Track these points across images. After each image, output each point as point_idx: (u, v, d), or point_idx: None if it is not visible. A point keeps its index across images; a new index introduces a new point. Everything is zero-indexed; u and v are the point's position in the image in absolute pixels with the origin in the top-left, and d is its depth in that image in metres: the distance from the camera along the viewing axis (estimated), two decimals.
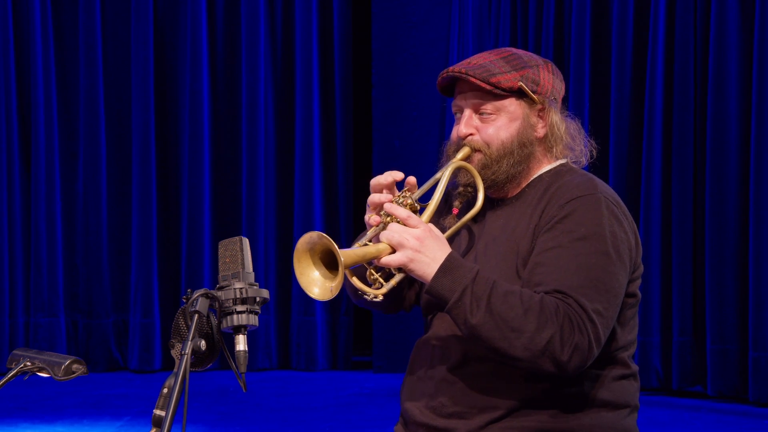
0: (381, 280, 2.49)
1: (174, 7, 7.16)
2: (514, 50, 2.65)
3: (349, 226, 7.29)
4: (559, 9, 6.40)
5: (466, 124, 2.61)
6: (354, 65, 7.30)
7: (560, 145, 2.64)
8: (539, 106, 2.60)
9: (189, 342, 2.05)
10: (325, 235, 2.38)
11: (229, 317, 2.12)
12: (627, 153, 6.23)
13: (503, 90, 2.57)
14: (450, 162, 2.59)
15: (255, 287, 2.13)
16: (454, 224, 2.61)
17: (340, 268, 2.35)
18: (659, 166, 6.13)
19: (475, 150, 2.60)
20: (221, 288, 2.13)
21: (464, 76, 2.57)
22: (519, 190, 2.63)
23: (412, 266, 2.43)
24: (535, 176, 2.63)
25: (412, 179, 2.56)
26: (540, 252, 2.48)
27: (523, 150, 2.59)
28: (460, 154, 2.60)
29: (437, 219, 2.65)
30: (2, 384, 2.17)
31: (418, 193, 2.55)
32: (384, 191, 2.55)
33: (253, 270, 2.17)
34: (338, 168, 7.27)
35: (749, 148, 5.89)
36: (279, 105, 7.27)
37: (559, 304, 2.39)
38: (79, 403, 6.02)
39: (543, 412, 2.50)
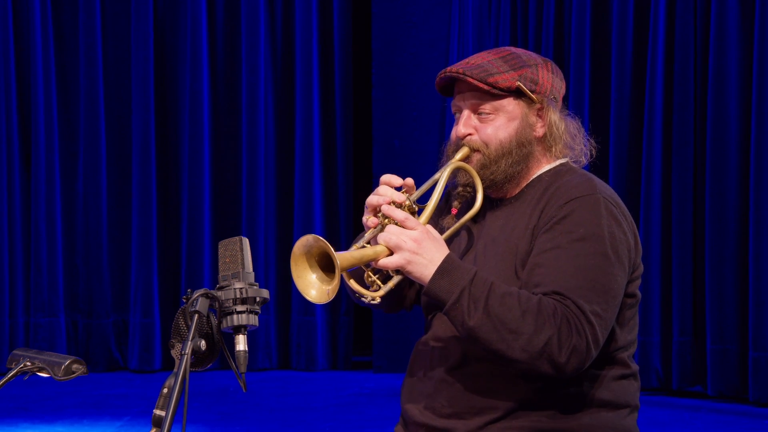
0: (379, 282, 2.49)
1: (174, 7, 7.16)
2: (513, 49, 2.64)
3: (349, 225, 7.29)
4: (559, 9, 6.40)
5: (465, 124, 2.61)
6: (354, 65, 7.30)
7: (559, 145, 2.63)
8: (538, 106, 2.60)
9: (189, 342, 2.05)
10: (321, 238, 2.38)
11: (229, 317, 2.12)
12: (627, 153, 6.23)
13: (501, 90, 2.56)
14: (448, 163, 2.59)
15: (255, 287, 2.13)
16: (453, 225, 2.61)
17: (337, 271, 2.35)
18: (659, 165, 6.13)
19: (473, 150, 2.60)
20: (221, 288, 2.13)
21: (462, 76, 2.57)
22: (518, 189, 2.63)
23: (409, 268, 2.43)
24: (534, 176, 2.63)
25: (409, 180, 2.56)
26: (539, 253, 2.48)
27: (521, 150, 2.59)
28: (459, 155, 2.59)
29: (436, 219, 2.65)
30: (2, 384, 2.17)
31: (417, 194, 2.54)
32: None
33: (253, 270, 2.16)
34: (338, 168, 7.26)
35: (749, 148, 5.89)
36: (279, 105, 7.27)
37: (557, 305, 2.38)
38: (79, 403, 6.02)
39: (542, 413, 2.50)
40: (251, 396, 6.24)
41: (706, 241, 6.00)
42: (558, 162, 2.64)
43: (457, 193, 2.63)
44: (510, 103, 2.59)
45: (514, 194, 2.63)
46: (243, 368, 2.11)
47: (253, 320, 2.12)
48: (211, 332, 2.13)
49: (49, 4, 7.06)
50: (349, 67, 7.27)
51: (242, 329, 2.12)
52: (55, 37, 7.10)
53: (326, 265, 2.40)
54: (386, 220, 2.48)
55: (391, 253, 2.43)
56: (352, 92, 7.30)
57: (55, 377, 2.23)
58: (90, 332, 7.14)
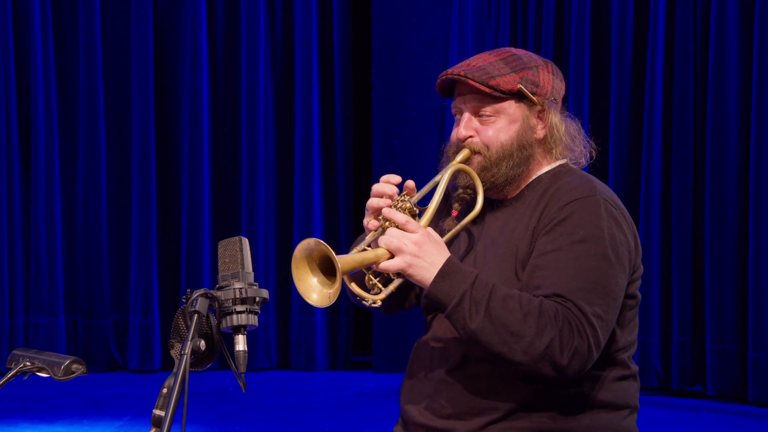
0: (380, 285, 2.49)
1: (174, 7, 7.16)
2: (513, 51, 2.64)
3: (349, 226, 7.29)
4: (559, 9, 6.40)
5: (466, 126, 2.61)
6: (354, 65, 7.30)
7: (560, 146, 2.63)
8: (539, 108, 2.60)
9: (189, 342, 2.05)
10: (322, 241, 2.37)
11: (228, 317, 2.12)
12: (627, 153, 6.23)
13: (502, 92, 2.56)
14: (449, 165, 2.59)
15: (254, 287, 2.13)
16: (454, 227, 2.61)
17: (338, 275, 2.35)
18: (659, 166, 6.13)
19: (474, 152, 2.59)
20: (221, 288, 2.13)
21: (463, 78, 2.57)
22: (518, 191, 2.63)
23: (410, 271, 2.43)
24: (534, 177, 2.62)
25: (410, 183, 2.56)
26: (539, 255, 2.48)
27: (522, 152, 2.59)
28: (460, 157, 2.59)
29: (436, 221, 2.65)
30: (2, 384, 2.17)
31: (417, 196, 2.54)
32: (384, 197, 2.54)
33: (253, 270, 2.16)
34: (338, 168, 7.26)
35: (749, 148, 5.89)
36: (279, 105, 7.27)
37: (558, 308, 2.38)
38: (79, 403, 6.02)
39: (542, 414, 2.50)
40: (251, 396, 6.23)
41: (705, 241, 6.00)
42: (558, 163, 2.64)
43: (457, 195, 2.63)
44: (511, 106, 2.59)
45: (513, 195, 2.63)
46: (243, 368, 2.11)
47: (253, 320, 2.12)
48: (211, 332, 2.13)
49: (48, 5, 7.06)
50: (349, 67, 7.27)
51: (242, 329, 2.12)
52: (55, 37, 7.10)
53: (327, 269, 2.40)
54: (387, 223, 2.48)
55: (392, 256, 2.43)
56: (352, 92, 7.29)
57: (55, 377, 2.23)
58: (90, 332, 7.14)
